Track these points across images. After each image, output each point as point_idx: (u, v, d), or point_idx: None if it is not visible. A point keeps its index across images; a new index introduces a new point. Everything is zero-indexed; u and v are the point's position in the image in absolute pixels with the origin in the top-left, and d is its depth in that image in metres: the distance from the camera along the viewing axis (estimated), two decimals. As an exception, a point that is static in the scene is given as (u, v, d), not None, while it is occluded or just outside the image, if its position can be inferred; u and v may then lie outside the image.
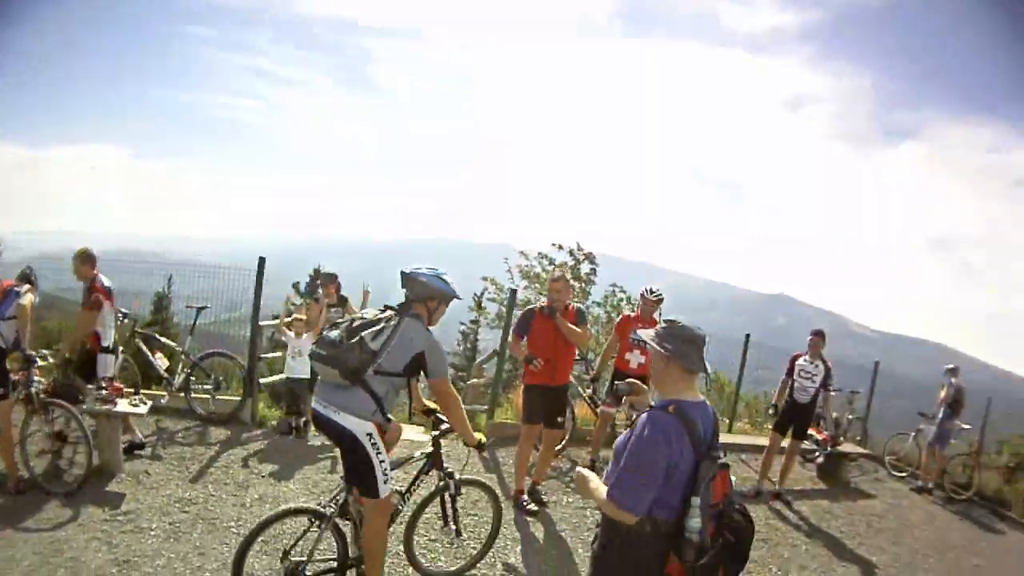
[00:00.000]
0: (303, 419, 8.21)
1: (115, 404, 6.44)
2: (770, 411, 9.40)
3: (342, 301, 8.75)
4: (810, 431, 10.13)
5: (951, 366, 11.89)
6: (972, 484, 11.58)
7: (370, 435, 4.05)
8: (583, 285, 16.52)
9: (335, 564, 4.48)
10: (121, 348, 7.77)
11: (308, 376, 8.05)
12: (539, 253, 16.85)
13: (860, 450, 12.02)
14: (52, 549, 5.00)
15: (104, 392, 6.49)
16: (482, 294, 17.04)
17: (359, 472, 4.15)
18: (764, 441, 9.72)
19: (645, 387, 3.62)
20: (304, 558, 4.29)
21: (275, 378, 9.05)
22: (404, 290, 4.36)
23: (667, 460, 2.93)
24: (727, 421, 12.64)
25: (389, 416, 4.24)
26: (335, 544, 4.47)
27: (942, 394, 11.55)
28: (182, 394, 8.21)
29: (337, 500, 4.39)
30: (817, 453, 10.85)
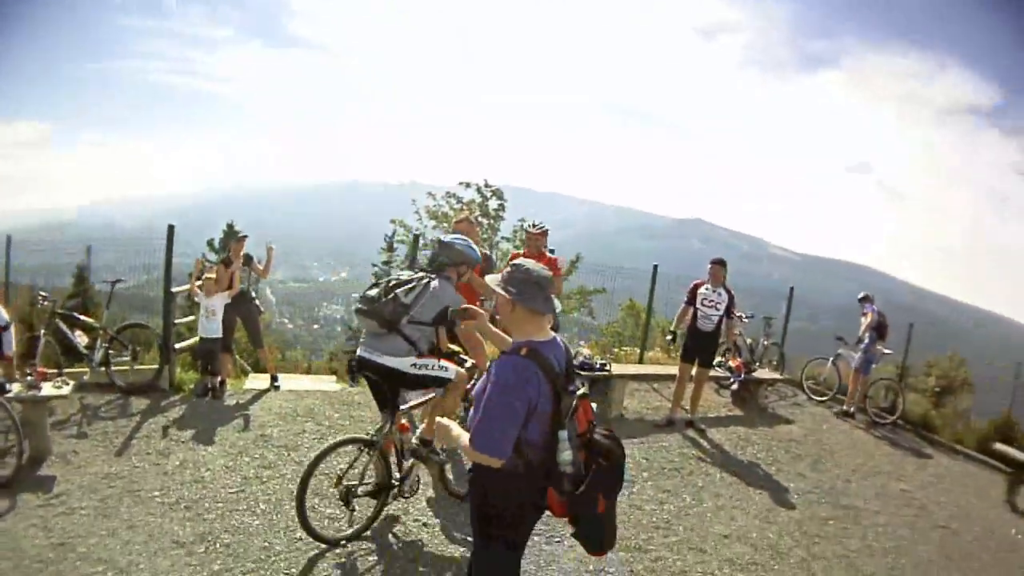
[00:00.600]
0: (219, 379, 8.44)
1: (40, 389, 6.58)
2: (668, 337, 9.64)
3: (247, 259, 8.98)
4: (724, 358, 10.57)
5: (864, 294, 12.16)
6: (896, 408, 11.93)
7: (414, 364, 5.02)
8: (492, 221, 17.11)
9: (381, 484, 5.41)
10: (43, 330, 8.01)
11: (220, 335, 8.38)
12: (447, 192, 17.33)
13: (776, 375, 12.28)
14: None
15: (30, 378, 6.63)
16: (393, 236, 17.58)
17: (426, 383, 5.24)
18: (675, 370, 9.76)
19: (482, 312, 3.97)
20: (356, 481, 5.27)
21: (190, 341, 9.23)
22: (439, 255, 5.32)
23: (525, 401, 3.06)
24: (639, 351, 12.69)
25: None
26: (380, 468, 5.39)
27: (865, 320, 11.79)
28: (103, 368, 8.34)
29: (382, 430, 5.27)
30: (731, 380, 11.05)
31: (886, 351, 12.15)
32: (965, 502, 9.02)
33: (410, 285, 5.06)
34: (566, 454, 3.11)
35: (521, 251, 8.31)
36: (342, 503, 5.29)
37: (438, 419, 3.48)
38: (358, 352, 5.20)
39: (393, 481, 5.46)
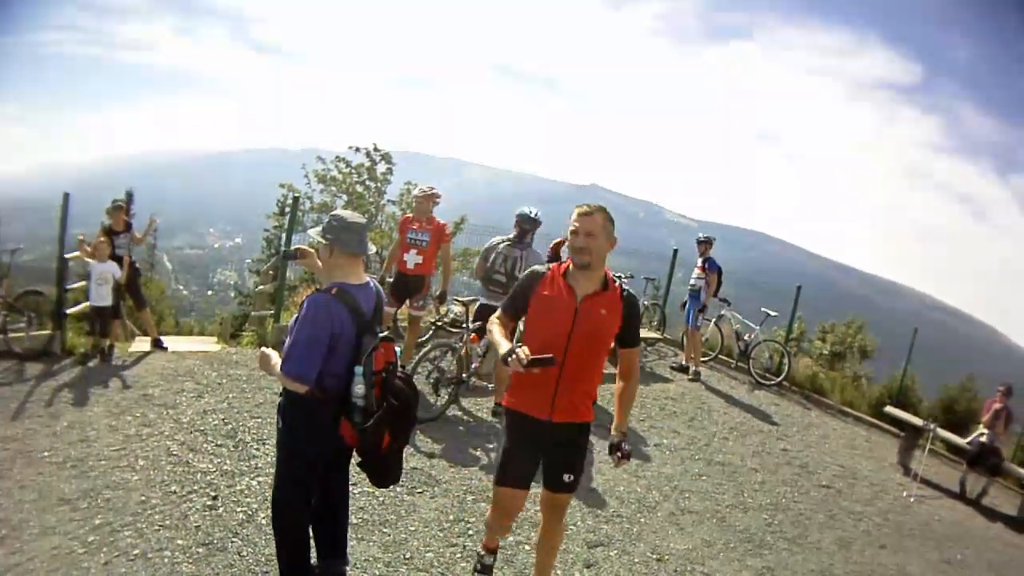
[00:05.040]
0: (107, 343, 9.04)
1: None
2: None
3: (127, 227, 9.70)
4: None
5: (703, 237, 12.24)
6: (781, 370, 12.60)
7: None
8: (379, 185, 18.22)
9: (457, 379, 8.12)
10: None
11: (110, 303, 9.03)
12: (336, 156, 18.13)
13: (657, 335, 13.12)
14: None
15: None
16: (286, 201, 17.92)
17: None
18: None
19: (312, 251, 4.23)
20: (441, 373, 8.10)
21: (81, 306, 9.74)
22: (522, 225, 8.31)
23: (328, 334, 3.62)
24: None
25: None
26: (458, 363, 8.11)
27: (697, 269, 12.03)
28: (0, 336, 8.80)
29: (461, 338, 8.20)
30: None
31: (772, 313, 12.82)
32: (852, 463, 9.68)
33: (515, 260, 8.14)
34: (359, 388, 3.68)
35: (410, 215, 8.77)
36: (432, 390, 8.09)
37: (261, 349, 4.05)
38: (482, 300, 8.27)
39: (464, 376, 8.14)
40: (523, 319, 4.28)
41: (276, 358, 3.81)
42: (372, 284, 3.99)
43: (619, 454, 4.07)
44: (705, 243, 12.19)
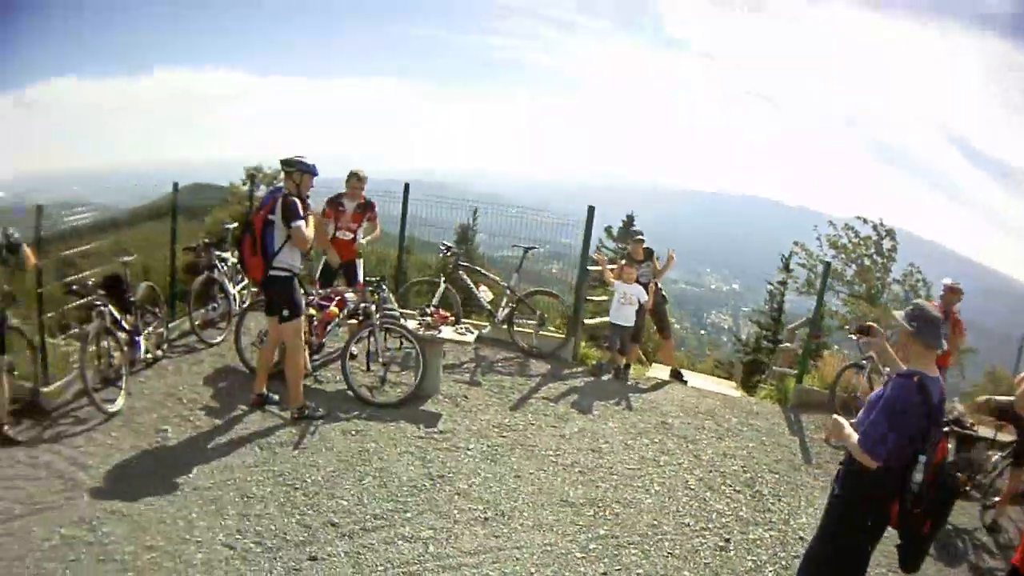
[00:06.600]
0: (623, 362, 8.63)
1: (439, 331, 7.11)
2: None
3: (648, 253, 9.08)
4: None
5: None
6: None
7: None
8: (884, 262, 17.73)
9: None
10: (443, 278, 8.78)
11: (631, 325, 8.53)
12: (845, 224, 17.95)
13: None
14: (359, 458, 5.72)
15: (429, 319, 7.19)
16: (789, 256, 18.56)
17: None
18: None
19: (881, 331, 4.46)
20: None
21: (598, 320, 9.61)
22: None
23: (907, 419, 3.66)
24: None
25: None
26: None
27: None
28: (504, 327, 8.87)
29: None
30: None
31: None
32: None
33: None
34: (918, 475, 3.75)
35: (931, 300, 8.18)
36: None
37: (834, 416, 4.10)
38: None
39: None
40: None
41: (849, 428, 3.92)
42: (940, 379, 3.94)
43: None
44: None
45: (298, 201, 6.06)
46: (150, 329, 7.50)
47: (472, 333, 7.44)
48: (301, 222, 6.07)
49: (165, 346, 7.76)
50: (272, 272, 6.24)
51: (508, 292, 9.01)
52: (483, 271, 9.43)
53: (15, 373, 6.24)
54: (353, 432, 6.24)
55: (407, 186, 9.64)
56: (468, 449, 6.09)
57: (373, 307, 7.04)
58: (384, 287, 7.37)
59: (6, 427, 5.78)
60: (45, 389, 6.35)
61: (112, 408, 6.25)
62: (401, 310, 8.12)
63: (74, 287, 6.71)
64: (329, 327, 7.36)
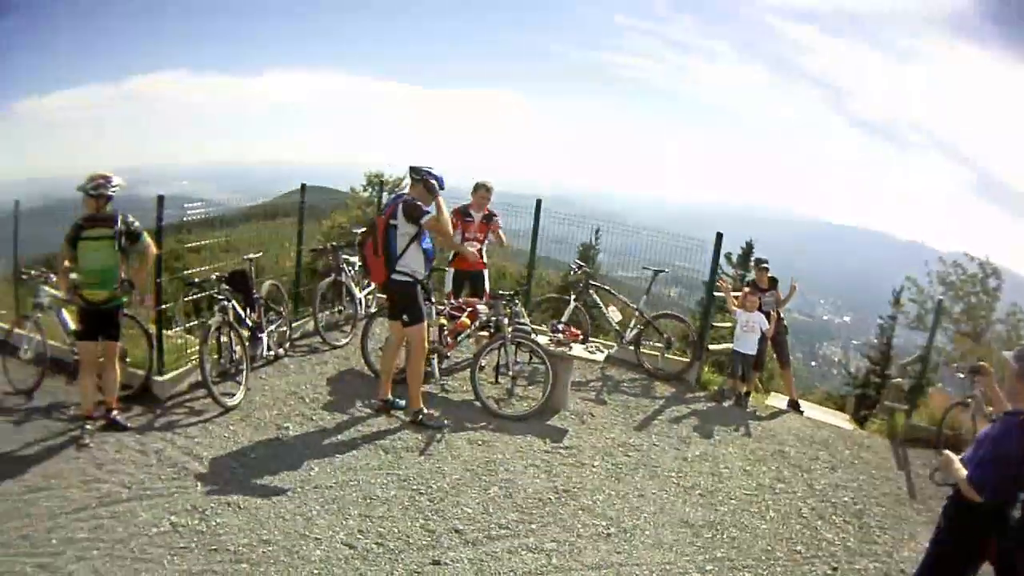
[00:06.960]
0: (744, 389, 8.81)
1: (570, 348, 7.50)
2: None
3: (772, 282, 9.10)
4: None
5: None
6: None
7: None
8: (989, 300, 17.80)
9: None
10: (573, 295, 9.20)
11: (753, 353, 8.70)
12: (953, 262, 18.19)
13: None
14: (485, 468, 6.12)
15: (560, 336, 7.60)
16: (900, 291, 18.64)
17: None
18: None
19: (991, 371, 4.76)
20: None
21: (722, 346, 9.85)
22: None
23: (1012, 460, 3.79)
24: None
25: None
26: None
27: None
28: (631, 348, 9.17)
29: None
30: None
31: None
32: None
33: None
34: (1016, 512, 3.84)
35: None
36: None
37: (945, 452, 4.27)
38: None
39: None
40: None
41: (958, 464, 4.04)
42: None
43: None
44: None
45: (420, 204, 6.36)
46: (272, 327, 8.03)
47: (603, 352, 7.74)
48: (431, 209, 6.39)
49: (288, 345, 8.33)
50: (395, 276, 6.46)
51: (637, 314, 9.28)
52: (612, 291, 9.69)
53: (127, 360, 6.82)
54: (480, 442, 6.64)
55: (539, 202, 10.01)
56: (593, 465, 6.43)
57: (505, 320, 7.39)
58: (517, 302, 7.86)
59: (115, 412, 6.21)
60: (159, 378, 6.85)
61: (231, 402, 6.75)
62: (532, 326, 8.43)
63: (195, 280, 7.21)
64: (460, 337, 7.75)
